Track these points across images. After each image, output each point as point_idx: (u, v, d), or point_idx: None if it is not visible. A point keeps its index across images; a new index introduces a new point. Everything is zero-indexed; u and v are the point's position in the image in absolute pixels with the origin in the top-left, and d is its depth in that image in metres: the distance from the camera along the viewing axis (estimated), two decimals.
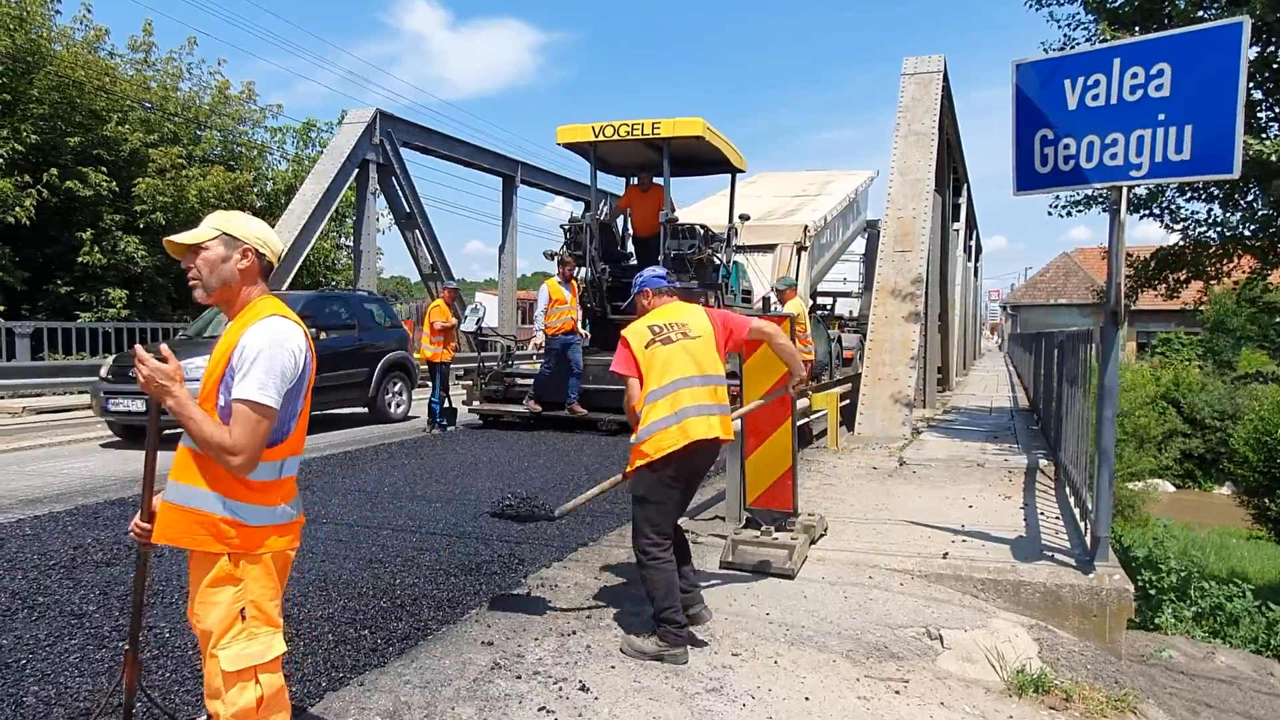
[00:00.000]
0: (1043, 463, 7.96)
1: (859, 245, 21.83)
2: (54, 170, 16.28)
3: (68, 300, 17.09)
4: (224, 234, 2.28)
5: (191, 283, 2.30)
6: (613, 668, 3.75)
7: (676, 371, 3.89)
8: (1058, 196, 10.97)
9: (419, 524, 6.08)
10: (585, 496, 4.56)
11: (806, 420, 9.19)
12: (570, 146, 11.65)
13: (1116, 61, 4.42)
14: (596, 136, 11.15)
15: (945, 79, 13.78)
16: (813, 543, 5.32)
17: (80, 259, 16.92)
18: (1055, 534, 5.56)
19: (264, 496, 2.28)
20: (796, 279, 14.37)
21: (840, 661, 3.97)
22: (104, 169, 17.30)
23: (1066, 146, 4.62)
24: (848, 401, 11.14)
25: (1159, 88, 4.28)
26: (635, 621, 4.23)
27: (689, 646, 3.87)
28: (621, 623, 4.23)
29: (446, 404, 11.36)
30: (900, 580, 4.84)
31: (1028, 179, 4.82)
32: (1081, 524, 5.53)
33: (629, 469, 4.00)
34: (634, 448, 3.92)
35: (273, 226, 16.02)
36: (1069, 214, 10.79)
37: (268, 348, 2.19)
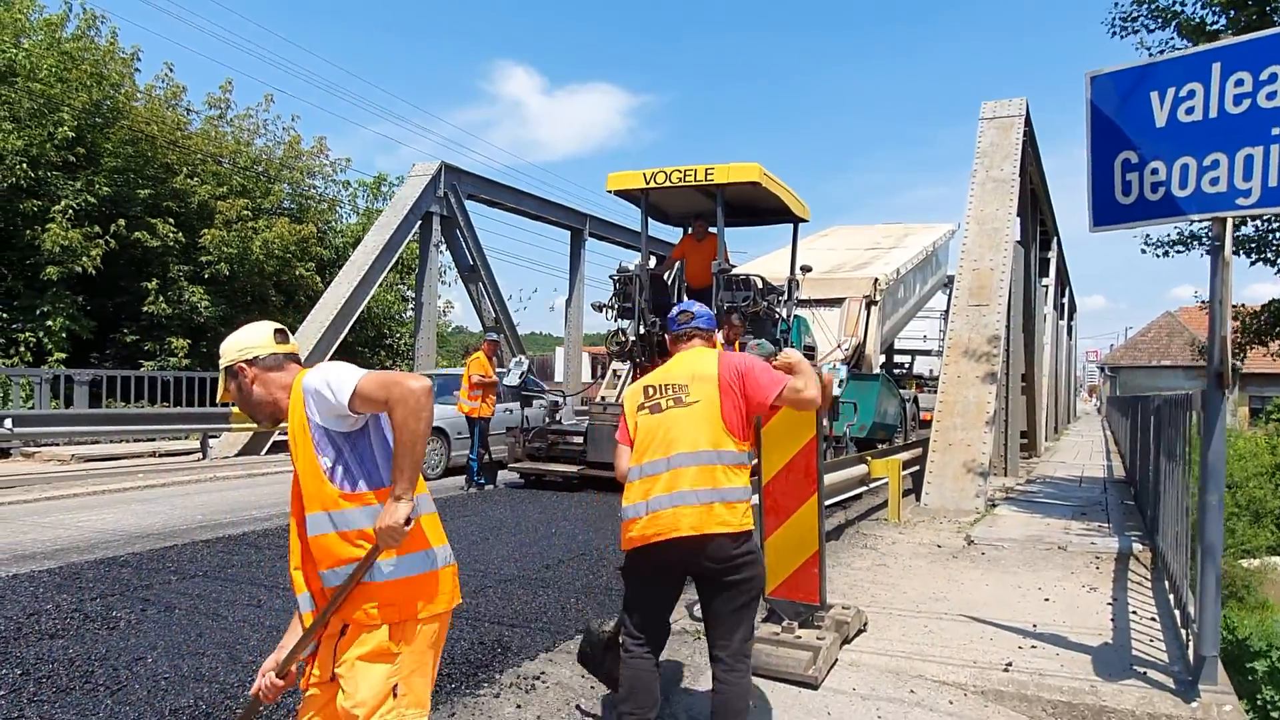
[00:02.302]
0: (1137, 547, 6.86)
1: (939, 301, 20.75)
2: (122, 221, 16.69)
3: (133, 349, 17.39)
4: (224, 373, 2.30)
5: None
6: None
7: (658, 450, 3.15)
8: (1149, 235, 9.82)
9: None
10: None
11: (864, 490, 8.29)
12: (621, 194, 11.17)
13: (1216, 67, 3.62)
14: (648, 183, 10.64)
15: (1028, 123, 12.88)
16: (846, 642, 4.47)
17: (145, 308, 17.21)
18: (1149, 642, 4.57)
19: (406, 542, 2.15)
20: (863, 342, 13.48)
21: None
22: (172, 220, 17.70)
23: (1154, 172, 3.81)
24: (916, 468, 10.14)
25: (1272, 96, 3.46)
26: None
27: None
28: None
29: (486, 460, 10.83)
30: (950, 697, 3.95)
31: (1107, 212, 4.01)
32: (1183, 631, 4.53)
33: None
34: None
35: (334, 278, 16.05)
36: (1165, 254, 9.62)
37: (324, 368, 2.18)
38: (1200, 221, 3.82)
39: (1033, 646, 4.51)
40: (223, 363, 2.29)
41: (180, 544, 6.99)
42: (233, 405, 2.36)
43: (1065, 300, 29.28)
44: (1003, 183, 11.74)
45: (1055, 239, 21.24)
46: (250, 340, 2.28)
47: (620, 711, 3.23)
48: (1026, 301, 15.06)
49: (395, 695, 2.12)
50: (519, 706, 3.81)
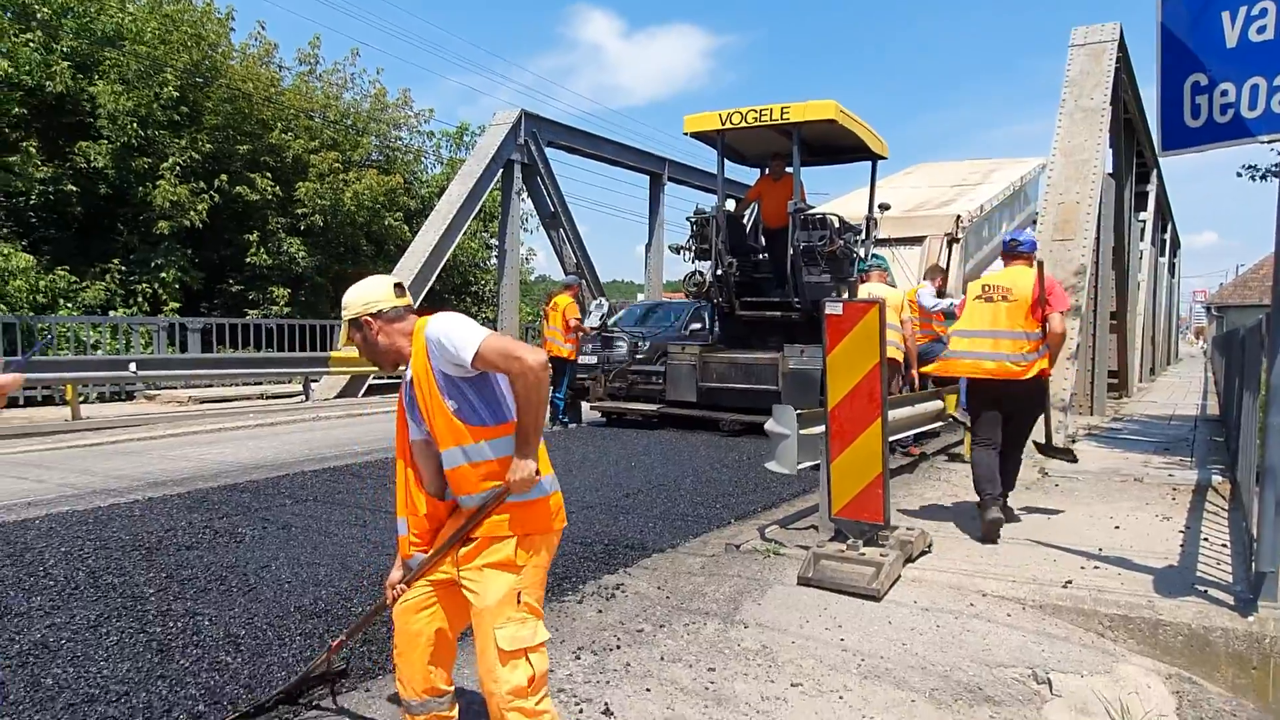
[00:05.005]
0: (1217, 479, 6.80)
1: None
2: (224, 176, 17.59)
3: (239, 298, 18.47)
4: (348, 325, 2.53)
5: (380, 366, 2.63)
6: (647, 690, 3.34)
7: (983, 323, 5.44)
8: (1256, 161, 9.45)
9: None
10: None
11: (939, 425, 8.36)
12: (698, 136, 11.23)
13: None
14: (724, 124, 10.67)
15: (1123, 49, 12.33)
16: (910, 560, 4.68)
17: (248, 259, 18.19)
18: (1216, 565, 4.63)
19: None
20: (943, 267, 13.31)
21: (920, 702, 3.38)
22: (269, 175, 18.57)
23: (1224, 93, 3.79)
24: None
25: None
26: (688, 639, 3.81)
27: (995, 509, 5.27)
28: (671, 641, 3.80)
29: (571, 400, 11.23)
30: (1008, 610, 4.14)
31: (1176, 135, 4.01)
32: (1249, 553, 4.58)
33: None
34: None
35: (421, 227, 16.62)
36: (1264, 178, 9.27)
37: (446, 320, 2.39)
38: (1269, 142, 3.79)
39: (1095, 568, 4.63)
40: (347, 315, 2.51)
41: (291, 473, 7.58)
42: (342, 349, 2.70)
43: (1166, 236, 27.96)
44: (1092, 112, 11.34)
45: (1155, 171, 20.29)
46: (374, 294, 2.50)
47: (978, 489, 5.40)
48: (1119, 236, 14.56)
49: (519, 602, 2.41)
50: (600, 611, 4.15)
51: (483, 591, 2.42)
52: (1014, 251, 5.63)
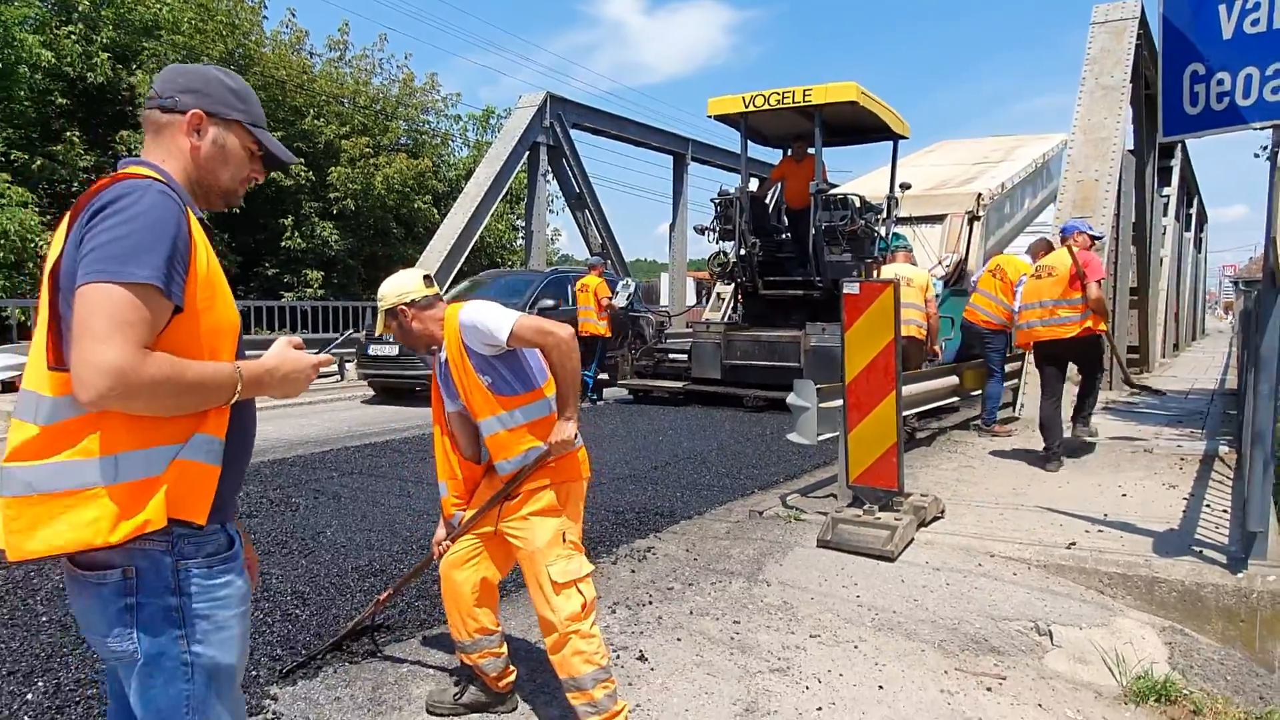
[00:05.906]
0: (1224, 450, 7.02)
1: (1049, 215, 20.14)
2: None
3: (274, 281, 18.99)
4: (384, 314, 2.80)
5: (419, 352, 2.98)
6: (678, 640, 3.67)
7: (1036, 297, 6.82)
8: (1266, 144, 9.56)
9: None
10: None
11: (955, 400, 8.60)
12: (721, 118, 11.43)
13: None
14: (747, 106, 10.88)
15: (1144, 26, 12.39)
16: (923, 525, 4.97)
17: (283, 243, 18.66)
18: (1215, 528, 4.89)
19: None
20: (966, 247, 13.49)
21: (929, 651, 3.68)
22: (302, 160, 18.99)
23: (1220, 82, 4.01)
24: (1015, 381, 10.32)
25: None
26: (715, 596, 4.13)
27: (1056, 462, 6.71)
28: (699, 598, 4.13)
29: (603, 377, 11.55)
30: (1014, 570, 4.43)
31: (1176, 122, 4.24)
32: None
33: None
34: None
35: (450, 209, 16.96)
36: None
37: (477, 307, 2.69)
38: (1261, 129, 4.01)
39: (1100, 531, 4.90)
40: (383, 306, 2.78)
41: (335, 449, 7.98)
42: (378, 334, 3.04)
43: (1192, 211, 27.71)
44: (1112, 90, 11.45)
45: (1179, 147, 20.16)
46: (407, 285, 2.77)
47: (1044, 436, 6.79)
48: (1140, 212, 14.63)
49: (564, 540, 2.74)
50: (633, 571, 4.49)
51: (531, 537, 2.74)
52: (1062, 237, 7.06)
